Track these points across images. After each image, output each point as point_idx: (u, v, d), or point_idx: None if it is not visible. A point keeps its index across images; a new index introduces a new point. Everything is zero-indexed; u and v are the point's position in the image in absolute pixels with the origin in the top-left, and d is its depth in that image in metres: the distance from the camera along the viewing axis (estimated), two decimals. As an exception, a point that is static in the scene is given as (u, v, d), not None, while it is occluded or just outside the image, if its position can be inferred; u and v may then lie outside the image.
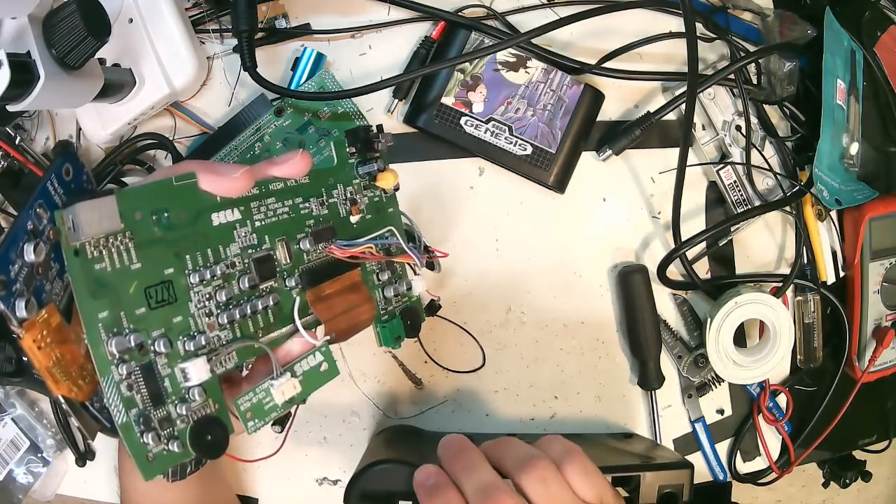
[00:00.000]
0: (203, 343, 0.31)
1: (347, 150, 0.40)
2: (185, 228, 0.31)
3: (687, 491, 0.47)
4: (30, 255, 0.28)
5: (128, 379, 0.29)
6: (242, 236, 0.34)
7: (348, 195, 0.40)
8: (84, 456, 0.52)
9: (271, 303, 0.35)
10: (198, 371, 0.30)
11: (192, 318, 0.31)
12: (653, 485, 0.47)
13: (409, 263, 0.43)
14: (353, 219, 0.40)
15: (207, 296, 0.32)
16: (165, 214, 0.31)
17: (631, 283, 0.54)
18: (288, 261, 0.36)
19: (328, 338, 0.37)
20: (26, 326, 0.28)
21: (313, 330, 0.36)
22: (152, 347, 0.30)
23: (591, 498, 0.36)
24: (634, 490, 0.46)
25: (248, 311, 0.33)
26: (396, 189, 0.43)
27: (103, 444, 0.52)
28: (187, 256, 0.32)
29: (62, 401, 0.30)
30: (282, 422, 0.38)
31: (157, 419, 0.30)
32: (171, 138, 0.50)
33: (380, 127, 0.42)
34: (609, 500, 0.37)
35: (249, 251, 0.34)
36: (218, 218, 0.33)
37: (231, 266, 0.33)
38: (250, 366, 0.36)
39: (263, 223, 0.35)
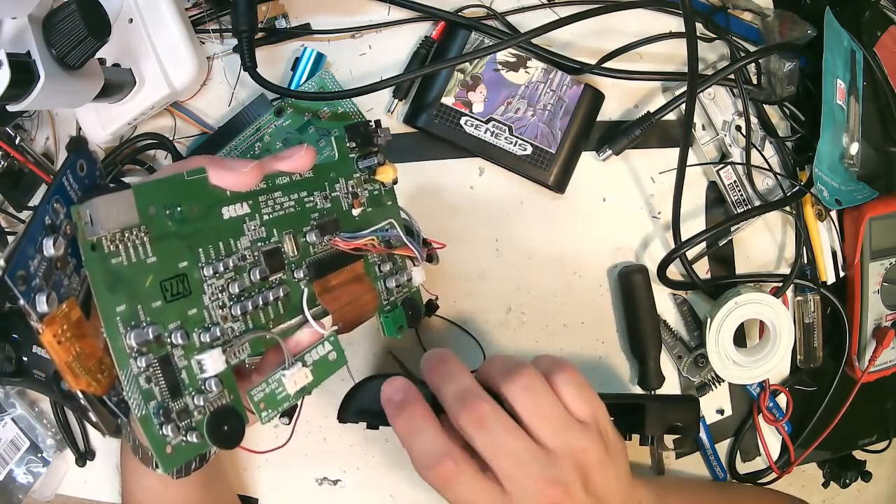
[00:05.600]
0: (218, 334, 0.32)
1: (347, 145, 0.41)
2: (197, 222, 0.32)
3: (695, 424, 0.46)
4: (49, 249, 0.28)
5: (146, 371, 0.29)
6: (252, 230, 0.35)
7: (350, 189, 0.41)
8: (84, 456, 0.52)
9: (281, 294, 0.35)
10: (214, 362, 0.31)
11: (207, 310, 0.32)
12: (658, 419, 0.45)
13: (408, 256, 0.44)
14: (355, 212, 0.41)
15: (220, 288, 0.33)
16: (178, 209, 0.31)
17: (631, 283, 0.54)
18: (295, 253, 0.37)
19: (336, 328, 0.38)
20: (46, 321, 0.27)
21: (321, 320, 0.37)
22: (169, 340, 0.30)
23: (583, 414, 0.34)
24: (640, 424, 0.45)
25: (260, 303, 0.34)
26: (395, 182, 0.44)
27: (103, 444, 0.52)
28: (200, 250, 0.32)
29: (80, 396, 0.30)
30: (289, 414, 0.38)
31: (176, 411, 0.30)
32: (171, 138, 0.50)
33: (378, 122, 0.42)
34: (602, 419, 0.35)
35: (259, 244, 0.35)
36: (228, 212, 0.34)
37: (242, 259, 0.34)
38: (253, 364, 0.36)
39: (271, 217, 0.36)
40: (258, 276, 0.34)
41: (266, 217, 0.35)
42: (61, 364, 0.28)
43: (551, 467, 0.33)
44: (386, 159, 0.43)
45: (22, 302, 0.27)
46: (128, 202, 0.29)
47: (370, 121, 0.43)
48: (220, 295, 0.33)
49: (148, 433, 0.29)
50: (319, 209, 0.39)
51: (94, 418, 0.31)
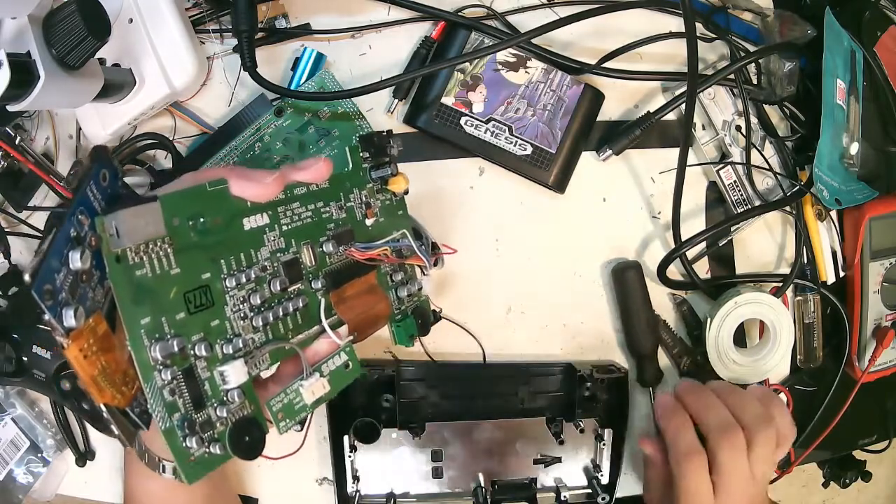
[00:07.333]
0: (240, 346, 0.32)
1: (361, 155, 0.41)
2: (219, 233, 0.32)
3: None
4: (76, 262, 0.27)
5: (170, 384, 0.29)
6: (271, 240, 0.35)
7: (363, 199, 0.41)
8: (84, 456, 0.52)
9: (300, 305, 0.35)
10: (237, 374, 0.31)
11: (229, 321, 0.32)
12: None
13: (418, 265, 0.44)
14: (369, 222, 0.41)
15: (242, 299, 0.33)
16: (201, 220, 0.31)
17: (624, 279, 0.54)
18: (313, 263, 0.37)
19: (351, 337, 0.38)
20: (73, 336, 0.27)
21: (337, 330, 0.37)
22: (192, 352, 0.30)
23: (759, 475, 0.44)
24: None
25: (280, 314, 0.34)
26: (406, 192, 0.44)
27: (103, 444, 0.52)
28: (222, 261, 0.32)
29: (104, 409, 0.30)
30: (301, 420, 0.39)
31: (199, 423, 0.30)
32: (171, 138, 0.50)
33: (390, 132, 0.42)
34: (766, 480, 0.46)
35: (278, 255, 0.35)
36: (249, 223, 0.33)
37: (262, 269, 0.34)
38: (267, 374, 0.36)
39: (290, 227, 0.36)
40: (278, 287, 0.34)
41: (285, 227, 0.35)
42: (87, 378, 0.28)
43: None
44: (399, 169, 0.43)
45: (48, 317, 0.26)
46: (155, 214, 0.29)
47: (384, 131, 0.42)
48: (241, 306, 0.33)
49: (172, 445, 0.29)
50: (335, 219, 0.39)
51: (115, 431, 0.31)
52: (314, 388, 0.35)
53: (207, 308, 0.31)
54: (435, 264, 0.47)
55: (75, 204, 0.28)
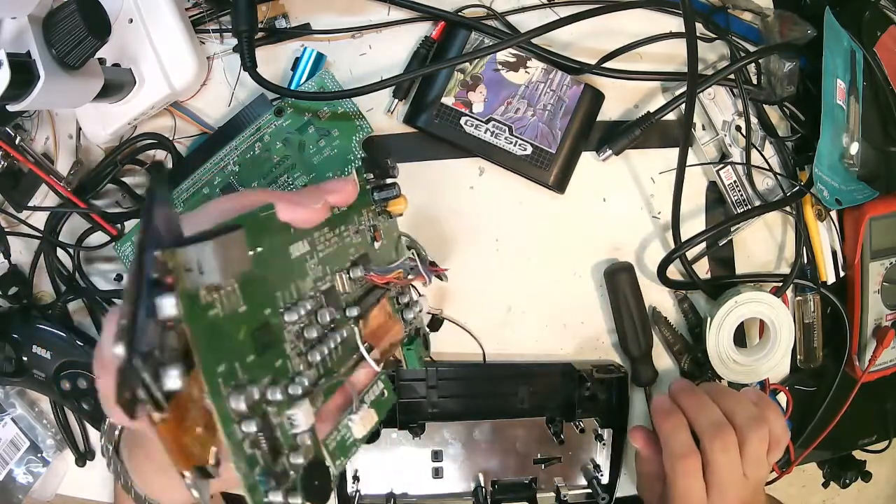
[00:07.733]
0: (306, 384, 0.29)
1: (365, 176, 0.39)
2: (271, 264, 0.29)
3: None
4: (168, 309, 0.22)
5: (250, 436, 0.25)
6: (312, 268, 0.32)
7: (370, 221, 0.39)
8: (84, 456, 0.52)
9: (344, 335, 0.33)
10: (306, 416, 0.28)
11: (289, 359, 0.29)
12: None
13: (420, 282, 0.43)
14: (377, 244, 0.39)
15: (296, 334, 0.30)
16: (259, 249, 0.28)
17: (615, 281, 0.54)
18: (345, 290, 0.34)
19: (383, 363, 0.36)
20: (172, 404, 0.21)
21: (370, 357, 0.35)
22: (267, 397, 0.27)
23: (752, 476, 0.45)
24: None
25: (331, 346, 0.31)
26: (401, 214, 0.42)
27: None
28: (277, 294, 0.29)
29: (187, 475, 0.24)
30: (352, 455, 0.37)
31: (278, 473, 0.27)
32: (171, 138, 0.50)
33: (388, 155, 0.41)
34: (762, 482, 0.47)
35: (318, 283, 0.32)
36: (295, 250, 0.31)
37: (311, 300, 0.31)
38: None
39: (324, 254, 0.33)
40: (328, 318, 0.31)
41: (321, 254, 0.33)
42: (175, 447, 0.23)
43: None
44: (401, 191, 0.41)
45: (148, 390, 0.21)
46: (239, 244, 0.25)
47: (382, 155, 0.41)
48: (296, 342, 0.30)
49: (255, 502, 0.26)
50: (353, 244, 0.36)
51: (196, 494, 0.28)
52: (364, 421, 0.32)
53: (271, 347, 0.28)
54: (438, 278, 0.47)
55: (148, 242, 0.22)
